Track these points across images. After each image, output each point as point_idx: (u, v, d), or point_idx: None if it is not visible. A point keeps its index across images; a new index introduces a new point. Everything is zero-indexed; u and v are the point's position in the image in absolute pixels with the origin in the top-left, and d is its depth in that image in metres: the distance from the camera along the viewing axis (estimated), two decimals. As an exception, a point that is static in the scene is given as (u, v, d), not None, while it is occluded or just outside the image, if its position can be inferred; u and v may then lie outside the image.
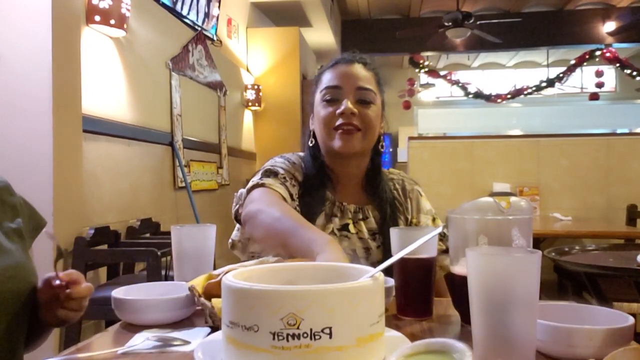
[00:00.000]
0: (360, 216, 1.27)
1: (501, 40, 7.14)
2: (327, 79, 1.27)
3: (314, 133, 1.30)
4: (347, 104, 1.20)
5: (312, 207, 1.22)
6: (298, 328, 0.54)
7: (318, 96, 1.27)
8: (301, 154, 1.36)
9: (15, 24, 2.27)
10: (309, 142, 1.30)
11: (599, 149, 3.83)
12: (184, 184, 3.77)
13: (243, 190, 1.21)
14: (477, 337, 0.62)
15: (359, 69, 1.26)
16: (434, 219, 1.33)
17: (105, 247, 2.64)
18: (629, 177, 3.78)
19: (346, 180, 1.30)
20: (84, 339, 0.85)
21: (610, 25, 7.99)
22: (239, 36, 5.53)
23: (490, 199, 0.82)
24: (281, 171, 1.23)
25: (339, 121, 1.21)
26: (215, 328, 0.81)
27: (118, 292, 0.92)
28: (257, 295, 0.56)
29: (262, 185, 1.17)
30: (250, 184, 1.19)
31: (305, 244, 0.92)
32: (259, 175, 1.22)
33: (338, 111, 1.21)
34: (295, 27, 5.92)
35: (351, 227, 1.25)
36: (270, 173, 1.22)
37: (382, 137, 1.31)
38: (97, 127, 2.80)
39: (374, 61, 1.34)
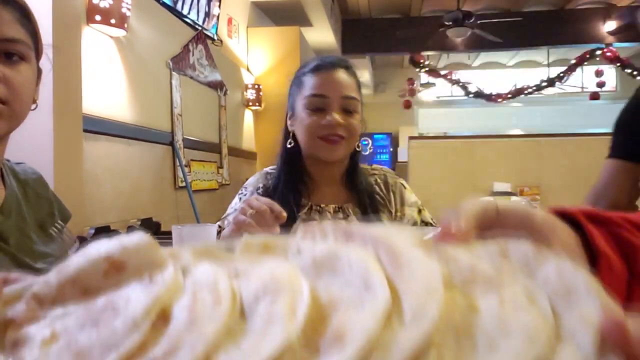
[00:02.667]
0: (341, 215, 1.26)
1: (501, 40, 7.13)
2: (311, 84, 1.24)
3: (294, 134, 1.28)
4: (334, 116, 1.20)
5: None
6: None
7: (302, 101, 1.25)
8: (269, 169, 1.36)
9: (15, 24, 2.26)
10: (288, 144, 1.29)
11: (600, 149, 3.79)
12: (184, 184, 3.77)
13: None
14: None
15: (342, 75, 1.24)
16: (419, 211, 1.32)
17: (105, 246, 2.64)
18: (630, 177, 3.78)
19: (326, 182, 1.30)
20: (85, 338, 0.85)
21: (610, 25, 7.98)
22: (239, 36, 5.53)
23: (490, 199, 0.82)
24: (231, 218, 1.26)
25: (325, 131, 1.21)
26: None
27: (118, 292, 0.91)
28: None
29: (219, 232, 1.23)
30: (218, 225, 1.26)
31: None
32: (220, 221, 1.28)
33: (324, 122, 1.20)
34: (295, 26, 5.91)
35: None
36: (224, 219, 1.29)
37: (358, 137, 1.30)
38: (97, 127, 2.79)
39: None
